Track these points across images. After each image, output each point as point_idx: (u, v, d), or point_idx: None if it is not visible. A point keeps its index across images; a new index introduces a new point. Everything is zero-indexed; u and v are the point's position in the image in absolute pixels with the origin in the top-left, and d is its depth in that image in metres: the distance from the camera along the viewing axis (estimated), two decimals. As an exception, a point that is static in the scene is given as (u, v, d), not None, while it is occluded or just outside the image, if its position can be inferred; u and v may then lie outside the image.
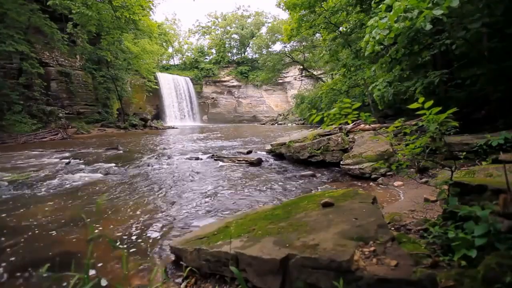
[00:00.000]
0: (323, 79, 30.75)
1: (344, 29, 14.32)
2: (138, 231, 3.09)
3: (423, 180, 4.19)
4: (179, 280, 1.99)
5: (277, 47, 47.24)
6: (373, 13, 6.62)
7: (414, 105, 1.95)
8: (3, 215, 3.67)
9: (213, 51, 49.88)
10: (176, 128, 29.06)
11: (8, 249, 2.71)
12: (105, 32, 21.95)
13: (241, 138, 14.80)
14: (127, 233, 3.03)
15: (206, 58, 49.27)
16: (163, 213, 3.67)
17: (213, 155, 8.07)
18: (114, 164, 7.03)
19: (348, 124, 2.86)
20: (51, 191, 4.85)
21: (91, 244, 2.65)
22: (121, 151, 9.98)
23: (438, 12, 2.22)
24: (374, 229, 1.65)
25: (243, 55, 49.90)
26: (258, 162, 6.99)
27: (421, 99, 1.91)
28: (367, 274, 1.27)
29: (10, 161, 8.14)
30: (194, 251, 1.98)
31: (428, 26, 2.35)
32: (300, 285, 1.43)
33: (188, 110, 41.84)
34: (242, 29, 48.30)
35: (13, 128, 16.05)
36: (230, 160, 7.35)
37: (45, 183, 5.29)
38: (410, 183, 4.35)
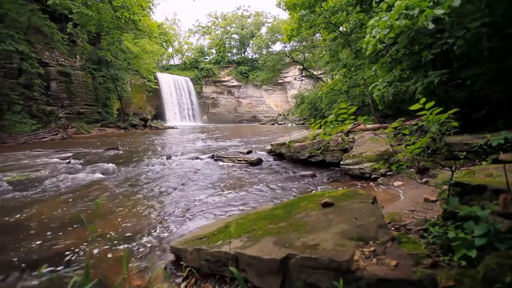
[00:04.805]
0: (323, 79, 30.74)
1: (344, 29, 14.31)
2: (138, 231, 3.09)
3: (423, 180, 4.19)
4: (179, 280, 1.99)
5: (277, 47, 47.36)
6: (374, 13, 6.61)
7: (415, 106, 1.96)
8: (3, 215, 3.67)
9: (213, 51, 49.87)
10: (176, 128, 29.06)
11: (7, 249, 2.71)
12: (105, 32, 21.94)
13: (241, 138, 14.80)
14: (127, 233, 3.03)
15: (206, 58, 49.24)
16: (163, 213, 3.67)
17: (213, 155, 8.06)
18: (114, 164, 7.02)
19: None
20: (51, 191, 4.85)
21: (90, 245, 2.66)
22: (121, 151, 9.98)
23: (439, 11, 2.22)
24: (374, 229, 1.64)
25: (243, 55, 49.87)
26: (258, 162, 6.99)
27: (422, 100, 1.92)
28: (367, 274, 1.27)
29: (10, 161, 8.14)
30: (194, 251, 1.98)
31: (431, 26, 2.35)
32: (300, 285, 1.43)
33: (188, 110, 41.82)
34: (242, 29, 48.28)
35: (13, 128, 16.05)
36: (230, 160, 7.35)
37: (45, 183, 5.29)
38: (410, 183, 4.35)
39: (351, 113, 2.08)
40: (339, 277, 1.30)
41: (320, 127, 2.27)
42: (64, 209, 3.89)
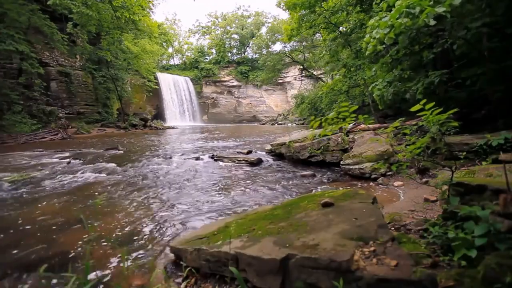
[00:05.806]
0: (323, 79, 30.75)
1: (344, 29, 14.32)
2: (138, 231, 3.09)
3: (423, 180, 4.19)
4: (179, 280, 1.99)
5: (277, 47, 47.39)
6: (374, 13, 6.61)
7: (415, 107, 1.98)
8: (3, 215, 3.67)
9: (213, 51, 49.90)
10: (176, 128, 29.06)
11: (7, 249, 2.70)
12: (105, 32, 21.96)
13: (241, 138, 14.80)
14: (126, 233, 3.03)
15: (206, 58, 49.27)
16: (163, 213, 3.67)
17: (213, 155, 8.06)
18: (114, 164, 7.02)
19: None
20: (51, 191, 4.84)
21: (90, 245, 2.66)
22: (121, 151, 9.98)
23: (440, 9, 2.23)
24: (374, 229, 1.64)
25: (243, 55, 49.87)
26: (258, 162, 6.98)
27: (423, 101, 1.93)
28: (367, 274, 1.27)
29: (10, 161, 8.14)
30: (194, 251, 1.98)
31: (432, 22, 2.36)
32: (300, 285, 1.43)
33: (188, 110, 41.83)
34: (242, 29, 48.30)
35: (13, 128, 16.05)
36: (230, 160, 7.35)
37: (45, 183, 5.28)
38: (410, 183, 4.35)
39: (352, 112, 2.08)
40: (339, 277, 1.30)
41: (320, 125, 2.26)
42: (64, 209, 3.89)
